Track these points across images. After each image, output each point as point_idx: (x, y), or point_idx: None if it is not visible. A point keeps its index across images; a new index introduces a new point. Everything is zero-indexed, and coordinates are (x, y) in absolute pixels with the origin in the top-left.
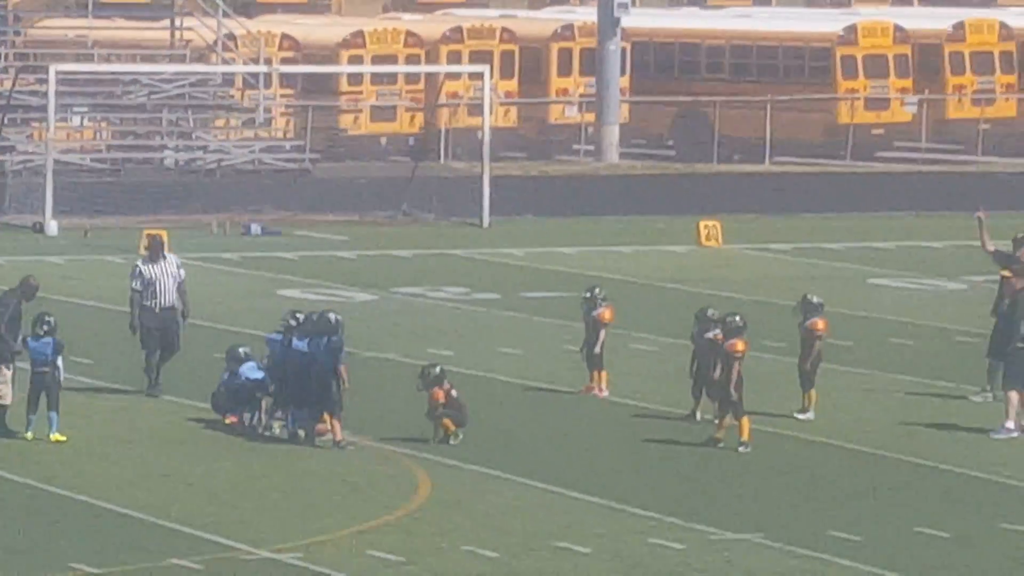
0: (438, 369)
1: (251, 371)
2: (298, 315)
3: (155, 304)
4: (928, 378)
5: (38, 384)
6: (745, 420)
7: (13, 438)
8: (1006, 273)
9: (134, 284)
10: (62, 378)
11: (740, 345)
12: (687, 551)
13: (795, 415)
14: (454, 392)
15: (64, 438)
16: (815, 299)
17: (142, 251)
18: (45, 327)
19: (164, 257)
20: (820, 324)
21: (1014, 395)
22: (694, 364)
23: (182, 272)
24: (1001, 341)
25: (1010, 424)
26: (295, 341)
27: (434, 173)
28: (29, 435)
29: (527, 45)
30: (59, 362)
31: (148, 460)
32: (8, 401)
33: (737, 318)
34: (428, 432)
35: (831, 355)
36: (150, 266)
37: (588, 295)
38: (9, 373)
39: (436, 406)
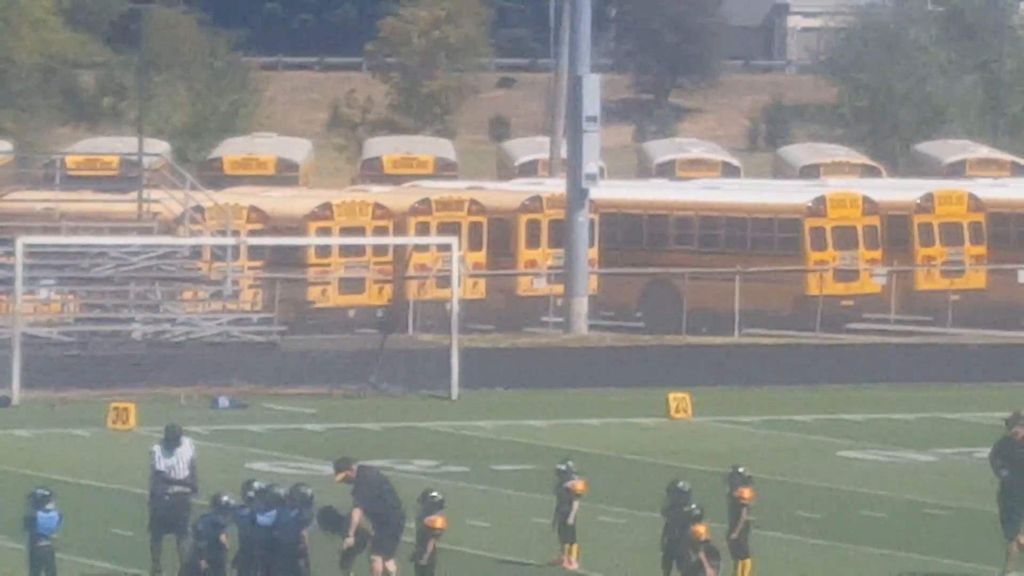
0: (437, 495)
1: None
2: (255, 485)
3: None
4: (899, 551)
5: (39, 557)
6: None
7: None
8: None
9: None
10: None
11: (702, 530)
12: None
13: None
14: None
15: None
16: (743, 470)
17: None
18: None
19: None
20: (746, 493)
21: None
22: (665, 537)
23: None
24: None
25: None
26: (259, 516)
27: (403, 345)
28: None
29: (495, 217)
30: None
31: None
32: None
33: (694, 507)
34: None
35: (802, 528)
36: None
37: (561, 468)
38: None
39: (430, 533)
